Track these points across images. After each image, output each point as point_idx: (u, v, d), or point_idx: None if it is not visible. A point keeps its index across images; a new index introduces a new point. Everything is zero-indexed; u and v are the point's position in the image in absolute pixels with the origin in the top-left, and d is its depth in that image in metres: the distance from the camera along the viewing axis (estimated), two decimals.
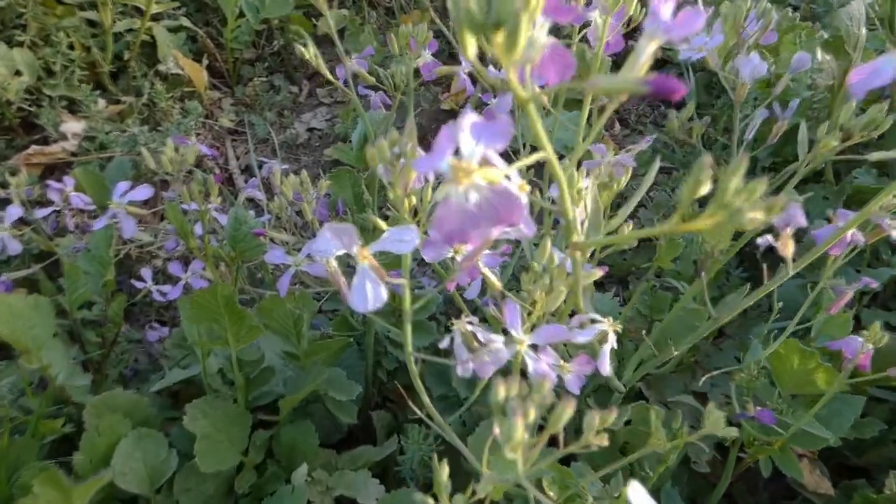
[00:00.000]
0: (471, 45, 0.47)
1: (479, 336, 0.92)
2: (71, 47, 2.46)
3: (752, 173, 1.86)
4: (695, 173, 0.51)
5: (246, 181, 2.61)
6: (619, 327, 0.89)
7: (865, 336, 1.01)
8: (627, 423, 1.28)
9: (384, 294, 0.60)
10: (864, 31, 1.37)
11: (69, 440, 1.46)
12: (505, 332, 0.84)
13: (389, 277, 0.68)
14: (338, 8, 3.01)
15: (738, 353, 1.68)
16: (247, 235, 1.29)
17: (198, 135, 2.53)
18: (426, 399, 0.93)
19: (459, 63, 1.53)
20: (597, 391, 1.43)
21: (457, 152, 0.50)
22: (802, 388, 1.24)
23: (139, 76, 2.61)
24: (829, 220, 1.36)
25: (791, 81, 1.39)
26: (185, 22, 2.79)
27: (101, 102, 2.47)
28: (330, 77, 1.16)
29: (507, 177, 0.48)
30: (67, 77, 2.40)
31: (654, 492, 1.31)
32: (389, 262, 0.95)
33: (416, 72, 1.34)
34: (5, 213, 1.62)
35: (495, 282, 0.94)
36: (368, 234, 0.88)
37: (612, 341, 0.89)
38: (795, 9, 2.66)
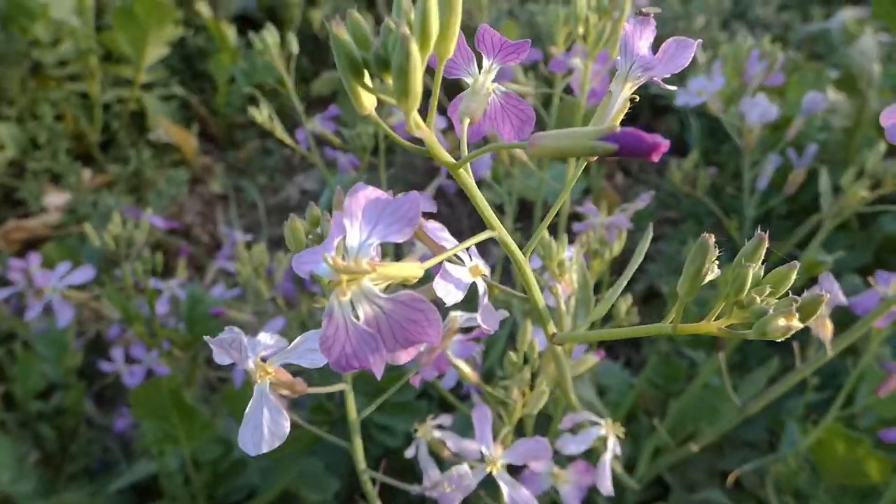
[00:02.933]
0: (365, 97, 0.34)
1: (450, 444, 0.76)
2: (58, 118, 2.43)
3: (765, 221, 1.70)
4: (694, 259, 0.36)
5: (233, 245, 2.50)
6: (620, 431, 0.72)
7: None
8: None
9: (285, 428, 0.45)
10: (877, 67, 1.24)
11: None
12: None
13: (305, 389, 0.53)
14: (331, 69, 2.99)
15: (767, 424, 1.47)
16: (203, 316, 1.15)
17: (182, 205, 2.45)
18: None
19: (446, 116, 1.43)
20: None
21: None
22: (851, 479, 1.03)
23: (127, 146, 2.57)
24: (860, 275, 1.18)
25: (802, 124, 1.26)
26: (178, 90, 2.77)
27: (87, 174, 2.42)
28: (288, 140, 1.05)
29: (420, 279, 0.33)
30: (54, 149, 2.36)
31: None
32: None
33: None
34: None
35: (468, 373, 0.78)
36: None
37: (613, 448, 0.72)
38: (797, 48, 2.56)
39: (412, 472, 1.46)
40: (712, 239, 0.37)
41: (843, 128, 1.27)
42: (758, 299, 0.35)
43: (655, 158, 0.31)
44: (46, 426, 1.52)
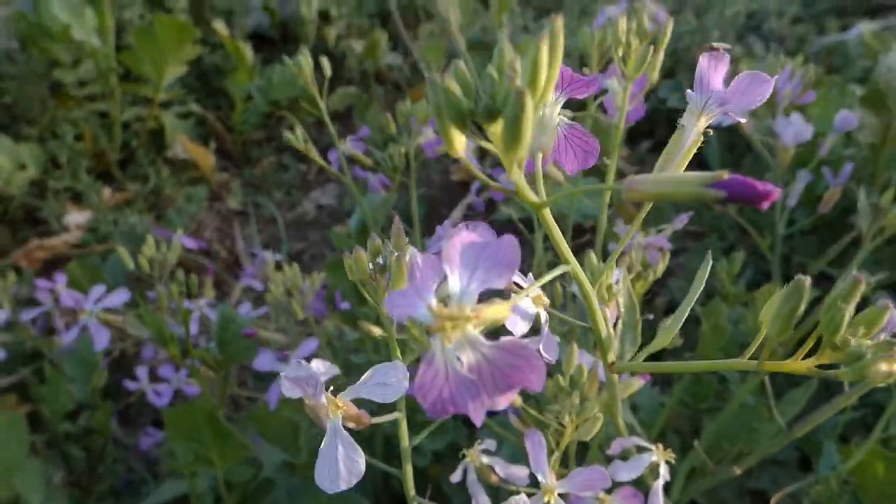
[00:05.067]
0: (458, 140, 0.35)
1: (498, 469, 0.75)
2: (78, 138, 2.46)
3: (790, 237, 1.69)
4: (788, 299, 0.36)
5: (253, 264, 2.51)
6: (671, 456, 0.72)
7: None
8: None
9: (362, 466, 0.45)
10: None
11: None
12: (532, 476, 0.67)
13: (374, 418, 0.53)
14: (345, 85, 3.02)
15: (796, 442, 1.46)
16: (236, 336, 1.15)
17: (200, 221, 2.46)
18: None
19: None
20: None
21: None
22: (892, 501, 1.02)
23: (146, 163, 2.59)
24: (884, 290, 1.17)
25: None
26: (195, 107, 2.80)
27: (107, 192, 2.44)
28: (322, 163, 1.06)
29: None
30: (74, 168, 2.38)
31: None
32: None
33: (420, 149, 1.24)
34: None
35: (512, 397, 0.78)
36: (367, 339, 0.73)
37: (665, 476, 0.71)
38: (814, 61, 2.57)
39: (441, 493, 1.45)
40: (808, 281, 0.37)
41: (869, 144, 1.27)
42: (852, 340, 0.35)
43: (765, 207, 0.31)
44: (75, 447, 1.53)
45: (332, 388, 0.50)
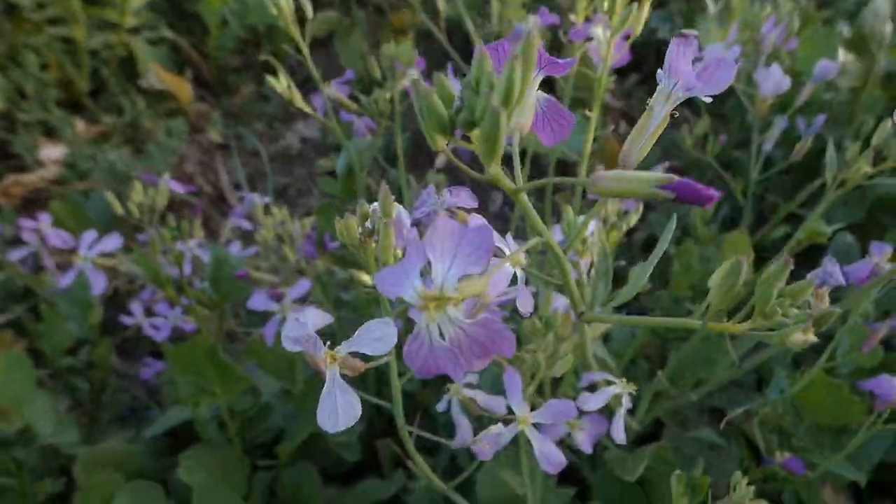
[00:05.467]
0: (440, 140, 0.38)
1: (479, 401, 0.83)
2: (44, 67, 2.36)
3: (766, 180, 1.72)
4: (728, 277, 0.41)
5: (239, 198, 2.52)
6: (633, 388, 0.80)
7: None
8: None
9: (358, 409, 0.51)
10: (889, 27, 1.24)
11: (65, 496, 1.40)
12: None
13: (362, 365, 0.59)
14: (325, 9, 2.88)
15: (757, 368, 1.59)
16: (229, 277, 1.20)
17: (182, 155, 2.43)
18: (418, 459, 0.84)
19: (450, 69, 1.42)
20: None
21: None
22: (830, 419, 1.14)
23: (119, 94, 2.51)
24: (852, 233, 1.24)
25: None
26: (166, 32, 2.68)
27: (81, 124, 2.38)
28: (308, 110, 1.06)
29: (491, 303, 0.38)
30: (42, 99, 2.31)
31: None
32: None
33: (406, 92, 1.23)
34: None
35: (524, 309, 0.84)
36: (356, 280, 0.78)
37: (626, 404, 0.80)
38: None
39: (429, 415, 1.57)
40: (744, 265, 0.41)
41: (849, 88, 1.29)
42: (779, 312, 0.40)
43: (708, 207, 0.35)
44: (78, 379, 1.60)
45: (328, 343, 0.55)
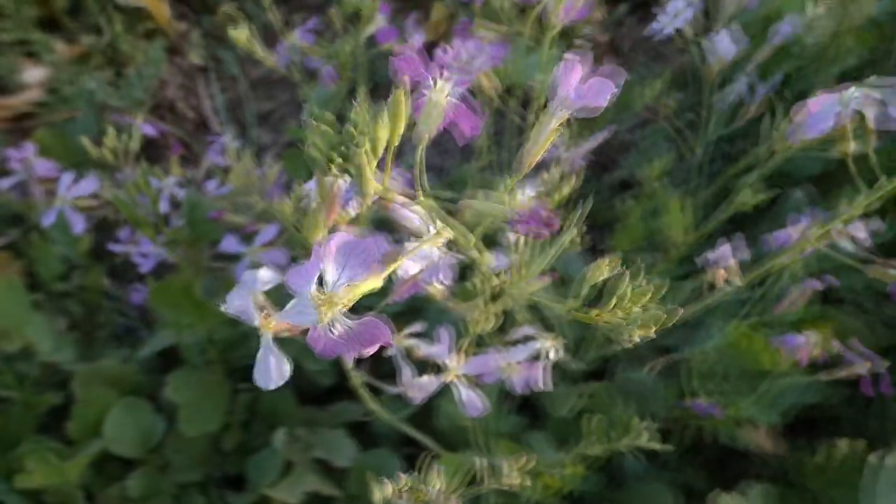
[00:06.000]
0: (332, 166, 0.44)
1: (421, 349, 0.94)
2: None
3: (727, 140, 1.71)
4: (580, 283, 0.49)
5: (221, 124, 2.52)
6: (559, 343, 0.90)
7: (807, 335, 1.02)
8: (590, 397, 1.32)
9: (287, 370, 0.61)
10: None
11: (63, 408, 1.55)
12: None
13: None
14: None
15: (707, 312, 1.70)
16: (203, 219, 1.28)
17: (162, 80, 2.41)
18: (363, 394, 0.96)
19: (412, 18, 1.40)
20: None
21: None
22: (751, 366, 1.26)
23: (96, 11, 2.45)
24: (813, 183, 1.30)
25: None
26: None
27: (61, 46, 2.34)
28: (270, 62, 1.08)
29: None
30: (20, 18, 2.26)
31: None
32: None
33: (373, 39, 1.24)
34: None
35: (438, 293, 0.93)
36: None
37: (551, 356, 0.91)
38: None
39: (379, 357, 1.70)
40: (603, 267, 0.49)
41: (813, 45, 1.29)
42: (619, 313, 0.48)
43: (545, 236, 0.42)
44: (72, 302, 1.72)
45: (265, 311, 0.64)
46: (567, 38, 2.39)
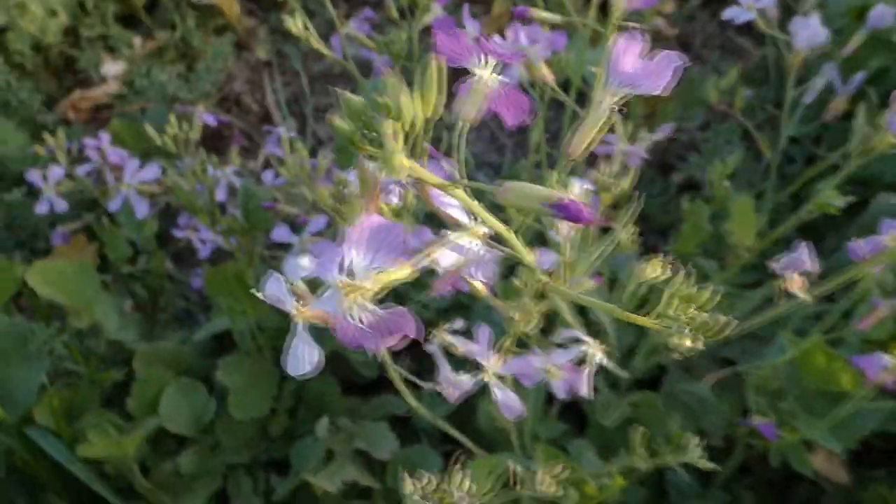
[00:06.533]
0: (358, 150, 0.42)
1: (460, 346, 0.91)
2: None
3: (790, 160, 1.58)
4: (632, 277, 0.45)
5: (283, 117, 2.59)
6: (604, 349, 0.85)
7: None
8: (634, 406, 1.25)
9: (317, 357, 0.60)
10: None
11: (125, 385, 1.63)
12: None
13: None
14: None
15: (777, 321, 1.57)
16: (257, 208, 1.30)
17: (230, 74, 2.50)
18: (403, 389, 0.94)
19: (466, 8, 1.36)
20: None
21: None
22: (825, 385, 1.16)
23: (172, 8, 2.56)
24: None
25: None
26: None
27: (138, 41, 2.47)
28: (325, 51, 1.09)
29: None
30: (102, 13, 2.40)
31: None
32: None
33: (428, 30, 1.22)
34: (50, 172, 1.71)
35: (481, 290, 0.90)
36: None
37: (594, 363, 0.85)
38: None
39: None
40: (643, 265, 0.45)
41: None
42: (671, 315, 0.44)
43: (583, 224, 0.39)
44: (137, 284, 1.81)
45: (298, 301, 0.63)
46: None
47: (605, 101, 0.48)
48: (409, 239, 0.42)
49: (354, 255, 0.43)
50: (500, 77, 0.54)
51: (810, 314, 1.30)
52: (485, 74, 0.52)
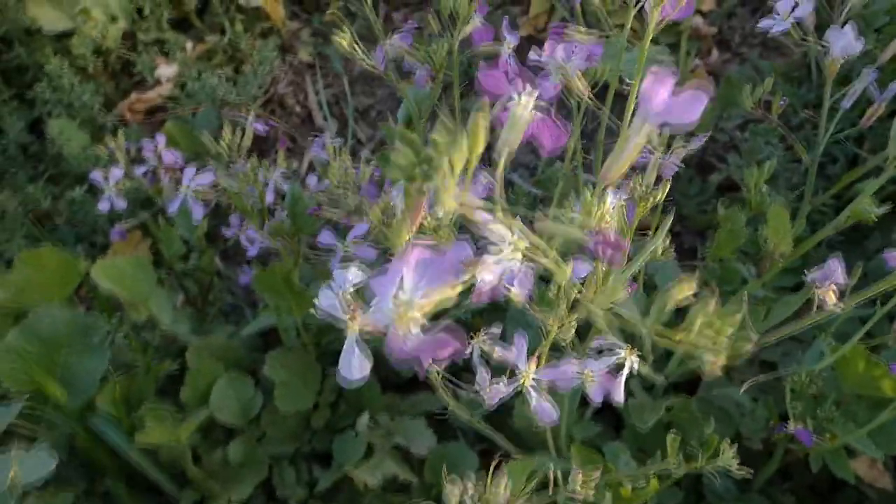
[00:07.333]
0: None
1: (497, 352, 0.95)
2: None
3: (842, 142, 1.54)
4: (661, 298, 0.48)
5: (324, 118, 2.67)
6: (638, 354, 0.87)
7: None
8: (669, 409, 1.27)
9: (369, 367, 0.65)
10: None
11: (178, 376, 1.73)
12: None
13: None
14: None
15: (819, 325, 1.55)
16: (303, 212, 1.37)
17: (275, 77, 2.58)
18: (439, 389, 0.98)
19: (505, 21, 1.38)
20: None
21: None
22: (865, 390, 1.15)
23: (221, 12, 2.67)
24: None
25: None
26: None
27: (189, 45, 2.58)
28: (370, 66, 1.13)
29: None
30: (158, 18, 2.51)
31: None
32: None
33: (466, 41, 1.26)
34: (111, 173, 1.82)
35: (517, 299, 0.94)
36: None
37: (630, 368, 0.88)
38: None
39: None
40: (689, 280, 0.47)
41: None
42: (697, 333, 0.46)
43: (617, 260, 0.42)
44: (188, 280, 1.91)
45: (352, 307, 0.68)
46: (669, 31, 2.26)
47: (638, 137, 0.51)
48: (453, 267, 0.47)
49: (405, 279, 0.47)
50: (537, 108, 0.58)
51: (853, 316, 1.28)
52: (524, 107, 0.56)
